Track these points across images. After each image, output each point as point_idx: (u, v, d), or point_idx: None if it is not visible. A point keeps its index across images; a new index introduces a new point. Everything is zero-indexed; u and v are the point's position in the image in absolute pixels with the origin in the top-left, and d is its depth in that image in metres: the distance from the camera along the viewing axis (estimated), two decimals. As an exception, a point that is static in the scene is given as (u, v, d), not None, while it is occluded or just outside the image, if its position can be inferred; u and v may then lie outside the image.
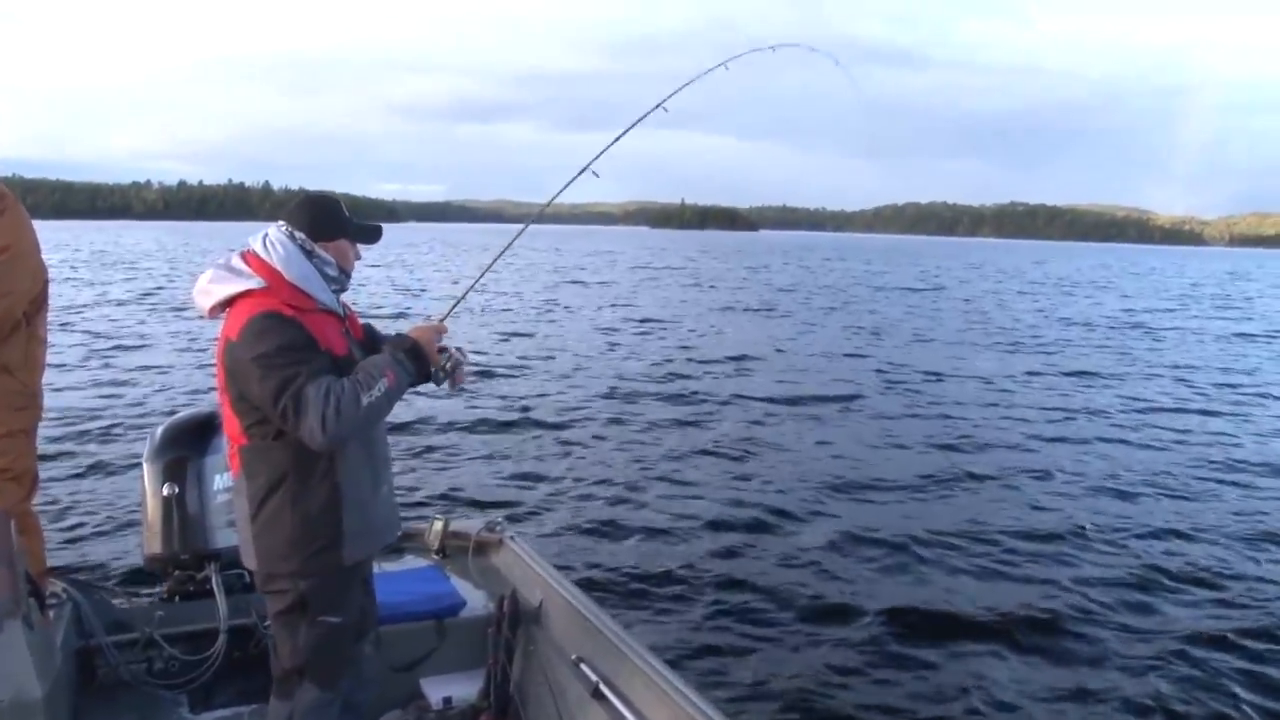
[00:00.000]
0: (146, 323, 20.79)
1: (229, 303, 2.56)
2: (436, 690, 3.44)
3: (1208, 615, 5.98)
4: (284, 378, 2.40)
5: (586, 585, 4.94)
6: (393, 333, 2.93)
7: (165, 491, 3.38)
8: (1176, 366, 18.18)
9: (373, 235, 2.83)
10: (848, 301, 33.13)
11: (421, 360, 2.70)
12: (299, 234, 2.65)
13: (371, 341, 2.89)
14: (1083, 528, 7.51)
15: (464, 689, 3.45)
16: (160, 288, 31.04)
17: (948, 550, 6.93)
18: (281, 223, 2.69)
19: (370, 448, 2.70)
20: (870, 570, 6.53)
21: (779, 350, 18.76)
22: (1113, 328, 25.90)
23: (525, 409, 11.77)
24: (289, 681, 2.71)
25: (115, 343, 17.31)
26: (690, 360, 16.86)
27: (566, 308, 26.73)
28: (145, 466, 3.45)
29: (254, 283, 2.54)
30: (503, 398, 12.50)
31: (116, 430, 10.08)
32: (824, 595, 6.04)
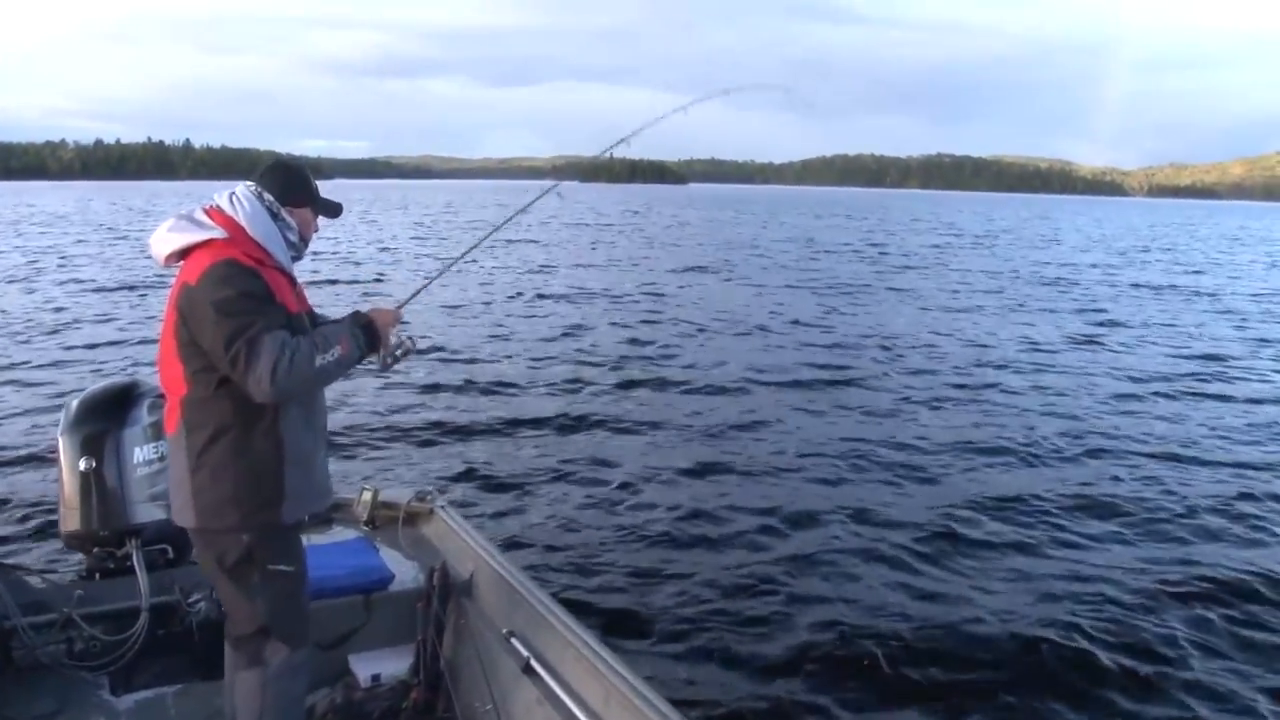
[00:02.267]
0: (62, 294, 19.50)
1: (186, 252, 2.57)
2: (365, 667, 3.39)
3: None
4: (241, 323, 2.41)
5: (518, 557, 4.87)
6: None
7: (82, 466, 3.27)
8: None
9: (334, 210, 2.90)
10: (802, 260, 31.66)
11: (374, 339, 2.75)
12: (268, 195, 2.69)
13: (314, 320, 2.87)
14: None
15: (393, 666, 3.41)
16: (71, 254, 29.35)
17: (893, 529, 6.66)
18: (250, 183, 2.73)
19: (310, 413, 2.70)
20: (818, 547, 6.30)
21: (741, 314, 17.91)
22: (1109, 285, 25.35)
23: (462, 377, 11.41)
24: (251, 645, 2.68)
25: (32, 313, 16.39)
26: (642, 324, 16.22)
27: (510, 269, 25.33)
28: (61, 440, 3.33)
29: (216, 233, 2.56)
30: (438, 364, 12.13)
31: (30, 403, 9.66)
32: (762, 569, 5.89)
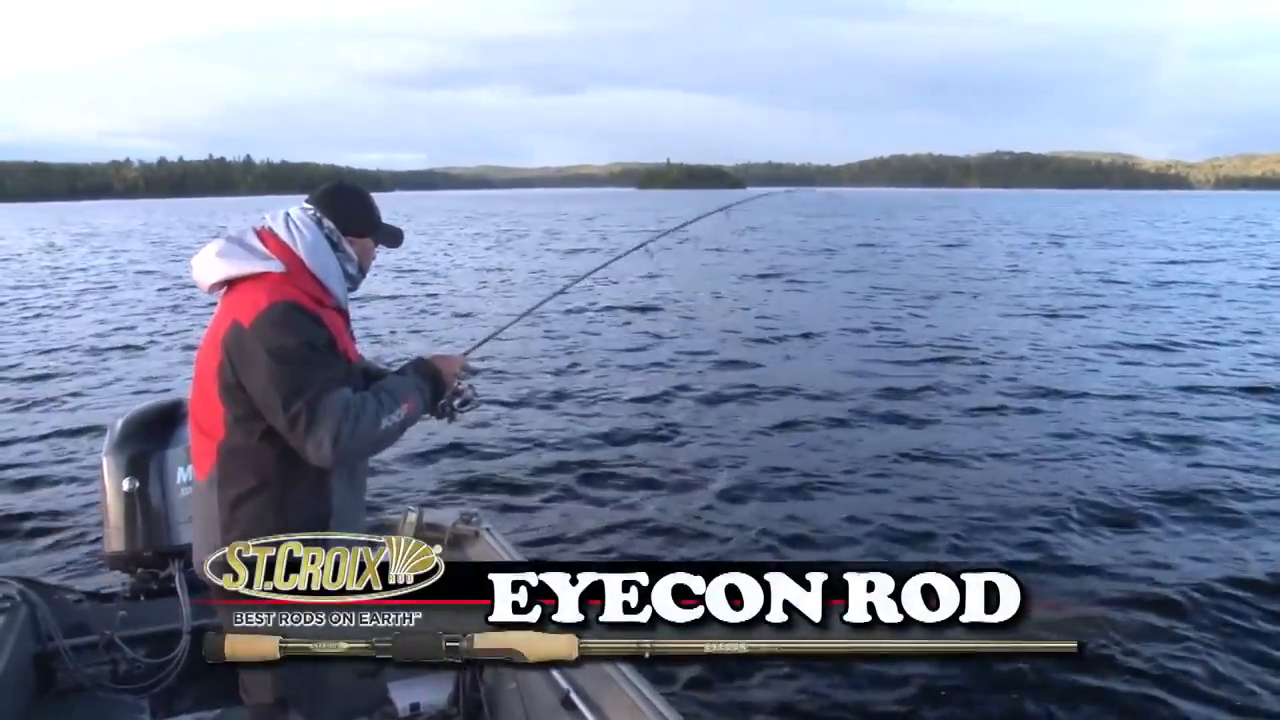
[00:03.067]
0: (113, 314, 19.49)
1: (233, 281, 2.32)
2: (404, 696, 3.31)
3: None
4: (301, 380, 2.18)
5: None
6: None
7: (126, 486, 3.26)
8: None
9: (396, 239, 2.63)
10: (885, 262, 30.28)
11: (439, 393, 2.58)
12: (328, 222, 2.43)
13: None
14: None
15: (433, 695, 3.33)
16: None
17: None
18: (307, 205, 2.46)
19: (354, 469, 2.48)
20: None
21: (820, 326, 16.28)
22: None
23: (513, 392, 10.95)
24: (267, 717, 2.46)
25: (80, 332, 16.45)
26: (711, 334, 15.15)
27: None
28: (105, 461, 3.32)
29: (272, 265, 2.30)
30: (487, 380, 11.70)
31: (75, 424, 9.68)
32: None
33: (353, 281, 2.50)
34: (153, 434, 3.35)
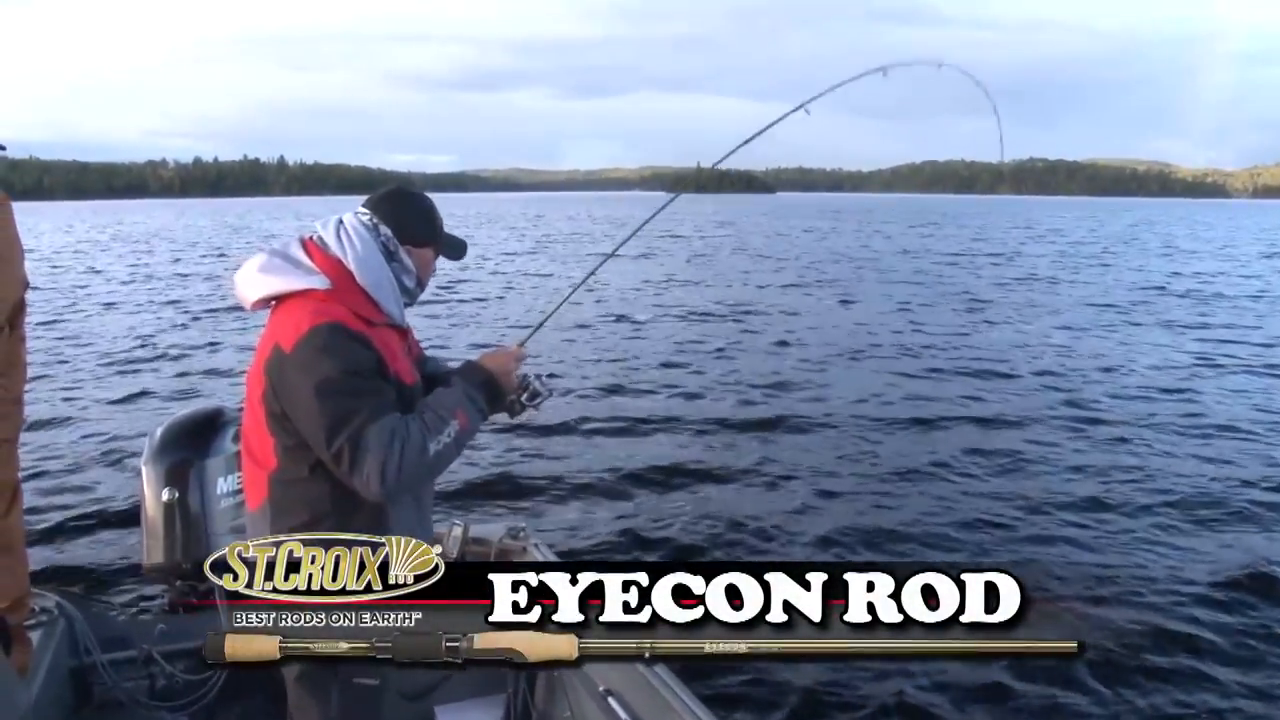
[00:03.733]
0: (150, 317, 19.38)
1: (278, 298, 2.19)
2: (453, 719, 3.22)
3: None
4: (344, 411, 2.03)
5: None
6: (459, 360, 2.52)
7: (165, 497, 3.15)
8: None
9: (459, 250, 2.45)
10: (927, 271, 29.78)
11: (497, 396, 2.37)
12: (385, 229, 2.26)
13: (422, 366, 2.50)
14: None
15: (482, 718, 3.22)
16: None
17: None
18: (364, 210, 2.29)
19: (419, 496, 2.35)
20: None
21: (873, 340, 15.84)
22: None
23: (560, 406, 10.48)
24: None
25: (116, 339, 16.23)
26: (764, 351, 14.62)
27: (608, 288, 23.05)
28: (144, 470, 3.22)
29: (317, 282, 2.15)
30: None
31: (114, 432, 9.61)
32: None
33: (410, 295, 2.34)
34: (193, 443, 3.24)
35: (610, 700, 2.79)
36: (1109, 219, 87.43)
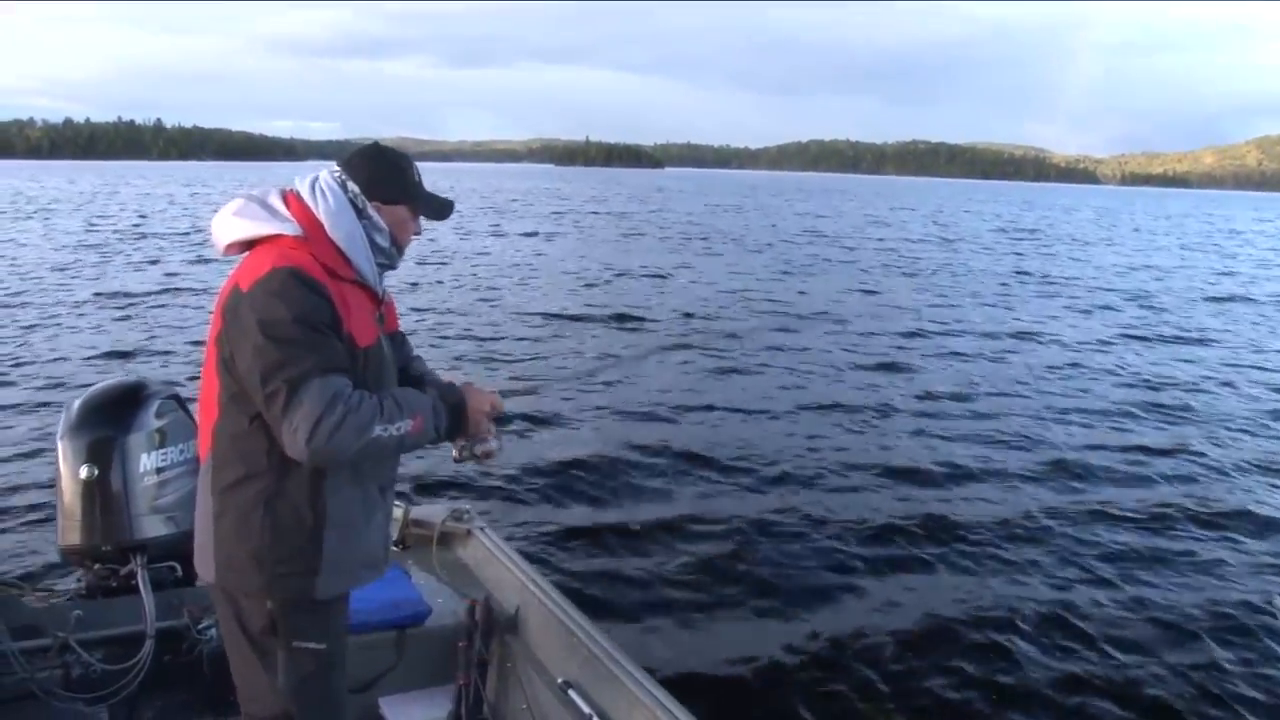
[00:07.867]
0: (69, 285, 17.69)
1: (251, 244, 2.15)
2: (399, 713, 3.09)
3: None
4: (287, 356, 1.95)
5: (567, 587, 4.21)
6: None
7: (84, 474, 2.96)
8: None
9: (442, 210, 2.39)
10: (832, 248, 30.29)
11: (459, 427, 2.29)
12: (352, 185, 2.21)
13: (400, 347, 2.46)
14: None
15: (431, 711, 3.09)
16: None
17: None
18: (335, 168, 2.26)
19: (360, 471, 2.20)
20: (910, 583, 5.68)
21: (797, 315, 15.90)
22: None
23: (499, 374, 10.38)
24: None
25: (30, 303, 15.10)
26: (690, 326, 14.48)
27: (529, 264, 22.94)
28: (60, 445, 3.01)
29: (289, 228, 2.12)
30: (462, 360, 11.10)
31: (26, 404, 8.96)
32: (850, 603, 5.31)
33: (385, 257, 2.27)
34: (113, 416, 3.05)
35: (570, 693, 2.72)
36: (1009, 208, 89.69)
